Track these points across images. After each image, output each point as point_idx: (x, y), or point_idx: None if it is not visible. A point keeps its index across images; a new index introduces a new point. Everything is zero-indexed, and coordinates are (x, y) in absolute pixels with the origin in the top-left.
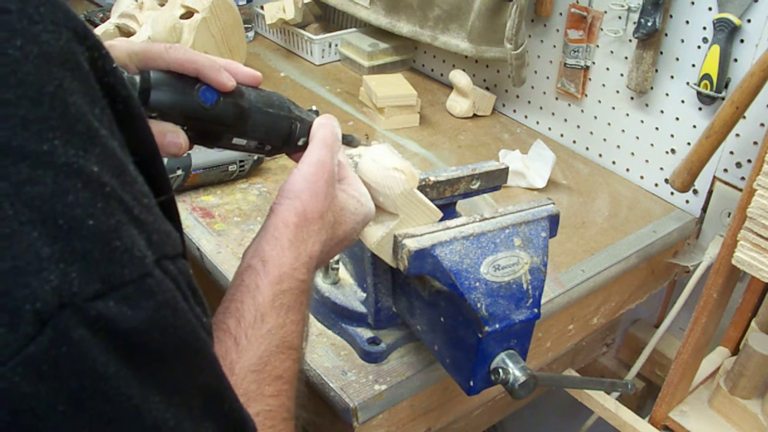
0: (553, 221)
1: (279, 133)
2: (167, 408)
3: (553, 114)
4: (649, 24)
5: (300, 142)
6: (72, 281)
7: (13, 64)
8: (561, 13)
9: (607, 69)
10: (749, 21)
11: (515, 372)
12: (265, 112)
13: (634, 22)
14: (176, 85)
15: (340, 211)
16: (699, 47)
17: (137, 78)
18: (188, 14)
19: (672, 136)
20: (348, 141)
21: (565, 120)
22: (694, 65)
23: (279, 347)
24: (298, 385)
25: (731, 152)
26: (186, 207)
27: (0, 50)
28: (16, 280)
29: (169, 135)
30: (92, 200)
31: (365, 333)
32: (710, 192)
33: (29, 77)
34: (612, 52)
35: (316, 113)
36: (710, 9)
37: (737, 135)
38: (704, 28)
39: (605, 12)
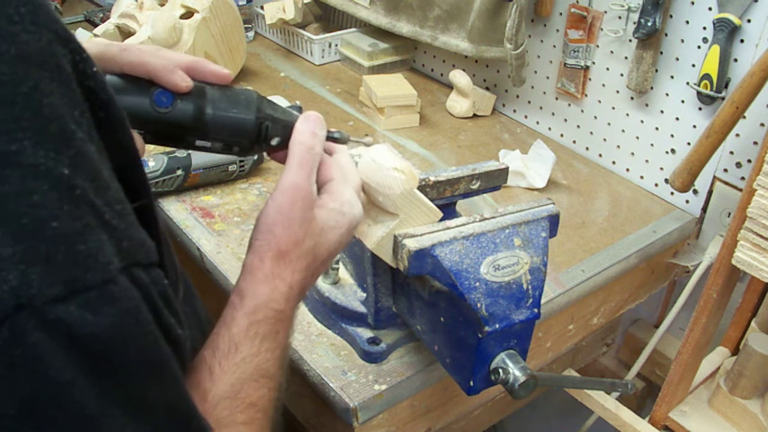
0: (553, 221)
1: (245, 133)
2: (127, 423)
3: (553, 114)
4: (649, 24)
5: (274, 142)
6: (32, 283)
7: None
8: (561, 13)
9: (607, 69)
10: (749, 21)
11: (515, 372)
12: (228, 113)
13: (634, 22)
14: (129, 89)
15: (320, 232)
16: (699, 47)
17: None
18: (188, 14)
19: (672, 136)
20: (335, 138)
21: (565, 120)
22: (694, 65)
23: (253, 375)
24: (273, 414)
25: (731, 152)
26: (186, 207)
27: None
28: None
29: None
30: (59, 202)
31: (365, 333)
32: (710, 192)
33: (3, 77)
34: (612, 52)
35: (299, 109)
36: (710, 9)
37: (737, 135)
38: (704, 28)
39: (605, 12)
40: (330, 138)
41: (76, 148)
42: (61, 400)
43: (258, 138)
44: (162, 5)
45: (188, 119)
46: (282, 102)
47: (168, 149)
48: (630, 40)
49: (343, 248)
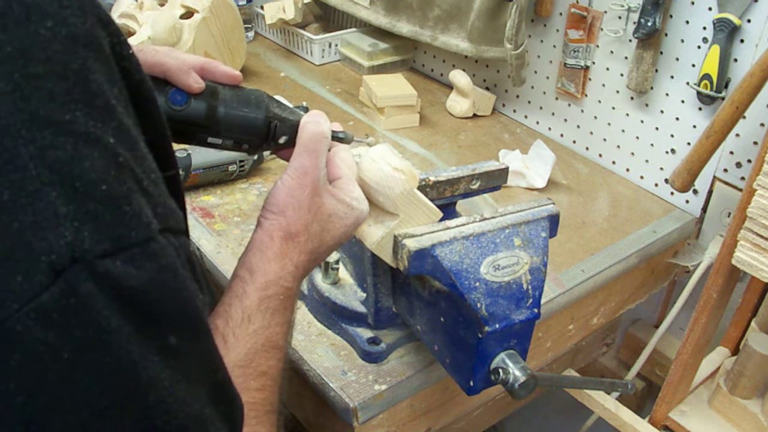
0: (553, 221)
1: (255, 132)
2: (163, 368)
3: (553, 114)
4: (649, 24)
5: (282, 140)
6: (84, 239)
7: (44, 42)
8: (561, 13)
9: (607, 69)
10: (749, 21)
11: (515, 372)
12: (239, 112)
13: (634, 22)
14: None
15: (327, 218)
16: (699, 47)
17: None
18: (188, 14)
19: (672, 136)
20: (340, 138)
21: (565, 120)
22: (694, 65)
23: (264, 346)
24: (281, 382)
25: (731, 152)
26: (186, 207)
27: (33, 30)
28: (35, 234)
29: None
30: (107, 167)
31: (365, 333)
32: (710, 192)
33: (57, 55)
34: (612, 52)
35: (305, 110)
36: (710, 9)
37: (737, 135)
38: (704, 28)
39: (605, 12)
40: (335, 137)
41: (118, 120)
42: (108, 346)
43: (267, 136)
44: (162, 5)
45: (201, 117)
46: (284, 102)
47: None
48: (630, 40)
49: (346, 240)
